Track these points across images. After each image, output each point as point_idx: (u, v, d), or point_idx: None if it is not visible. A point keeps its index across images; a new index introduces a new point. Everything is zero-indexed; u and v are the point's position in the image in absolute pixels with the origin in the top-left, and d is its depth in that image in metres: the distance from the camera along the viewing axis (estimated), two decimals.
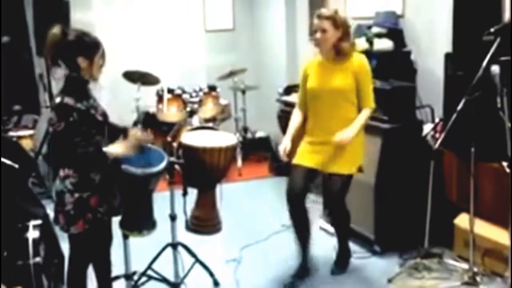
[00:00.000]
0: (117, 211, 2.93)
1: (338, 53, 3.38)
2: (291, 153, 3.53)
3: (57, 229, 3.46)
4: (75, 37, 2.72)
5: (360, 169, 3.53)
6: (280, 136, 3.76)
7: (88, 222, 2.73)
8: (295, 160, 3.54)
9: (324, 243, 4.05)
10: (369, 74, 3.43)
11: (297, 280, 3.62)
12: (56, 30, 2.70)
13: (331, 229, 4.13)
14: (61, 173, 2.74)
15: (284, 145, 3.48)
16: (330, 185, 3.47)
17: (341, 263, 3.80)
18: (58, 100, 2.67)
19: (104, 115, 2.85)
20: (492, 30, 3.26)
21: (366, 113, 3.43)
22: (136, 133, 2.91)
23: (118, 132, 2.94)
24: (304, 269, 3.68)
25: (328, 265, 3.81)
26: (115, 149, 2.78)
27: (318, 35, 3.34)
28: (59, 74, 2.77)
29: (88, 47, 2.73)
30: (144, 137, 2.95)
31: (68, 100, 2.65)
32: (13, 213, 3.13)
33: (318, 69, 3.48)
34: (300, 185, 3.46)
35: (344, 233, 3.79)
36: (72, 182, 2.71)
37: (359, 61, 3.42)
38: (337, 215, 3.70)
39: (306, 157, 3.50)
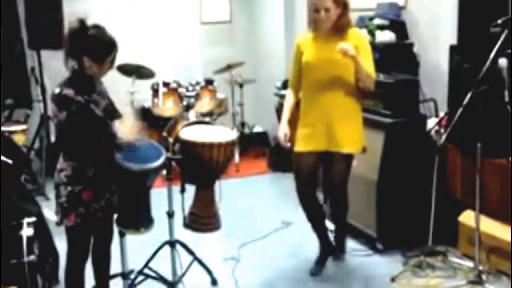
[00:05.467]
0: (116, 209, 2.89)
1: (336, 29, 3.31)
2: (291, 137, 3.48)
3: (51, 226, 3.41)
4: (90, 36, 2.68)
5: (364, 149, 3.46)
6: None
7: (80, 216, 2.73)
8: (297, 147, 3.46)
9: None
10: (369, 47, 3.36)
11: (322, 266, 3.66)
12: (74, 23, 2.68)
13: (331, 225, 4.07)
14: (58, 165, 2.76)
15: (284, 131, 3.45)
16: (335, 166, 3.44)
17: (337, 255, 3.76)
18: (57, 91, 2.66)
19: (106, 110, 2.82)
20: (499, 21, 3.19)
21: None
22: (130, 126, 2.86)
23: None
24: (325, 253, 3.70)
25: (328, 262, 3.73)
26: (125, 132, 2.76)
27: (322, 14, 3.24)
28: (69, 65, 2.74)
29: (97, 51, 2.70)
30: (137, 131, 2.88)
31: (68, 92, 2.64)
32: (7, 211, 3.07)
33: (314, 44, 3.40)
34: (309, 173, 3.45)
35: (341, 222, 3.72)
36: (66, 175, 2.72)
37: (358, 36, 3.37)
38: (338, 200, 3.61)
39: (308, 142, 3.43)
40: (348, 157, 3.44)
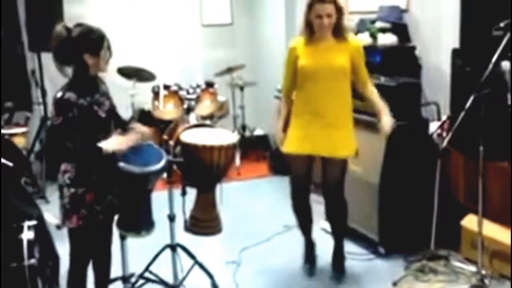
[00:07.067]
0: (117, 210, 2.87)
1: (335, 33, 3.34)
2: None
3: (52, 230, 3.40)
4: (79, 34, 2.68)
5: (356, 153, 3.49)
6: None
7: (82, 218, 2.72)
8: (290, 148, 3.47)
9: (325, 244, 3.94)
10: (364, 55, 3.44)
11: (312, 263, 3.77)
12: (59, 28, 2.68)
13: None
14: (62, 167, 2.76)
15: (280, 139, 3.56)
16: (330, 171, 3.47)
17: (339, 265, 3.71)
18: (59, 94, 2.65)
19: (109, 111, 2.83)
20: (502, 24, 3.17)
21: (374, 89, 3.46)
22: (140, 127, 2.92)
23: (123, 124, 2.96)
24: (310, 249, 3.79)
25: (329, 266, 3.72)
26: (108, 144, 2.71)
27: (325, 20, 3.25)
28: (68, 71, 2.74)
29: (93, 43, 2.69)
30: (145, 131, 2.93)
31: (70, 96, 2.64)
32: (7, 214, 3.05)
33: (310, 49, 3.38)
34: (304, 175, 3.51)
35: (341, 228, 3.69)
36: (69, 177, 2.72)
37: (356, 43, 3.43)
38: (336, 204, 3.58)
39: (301, 143, 3.43)
40: (344, 161, 3.45)
